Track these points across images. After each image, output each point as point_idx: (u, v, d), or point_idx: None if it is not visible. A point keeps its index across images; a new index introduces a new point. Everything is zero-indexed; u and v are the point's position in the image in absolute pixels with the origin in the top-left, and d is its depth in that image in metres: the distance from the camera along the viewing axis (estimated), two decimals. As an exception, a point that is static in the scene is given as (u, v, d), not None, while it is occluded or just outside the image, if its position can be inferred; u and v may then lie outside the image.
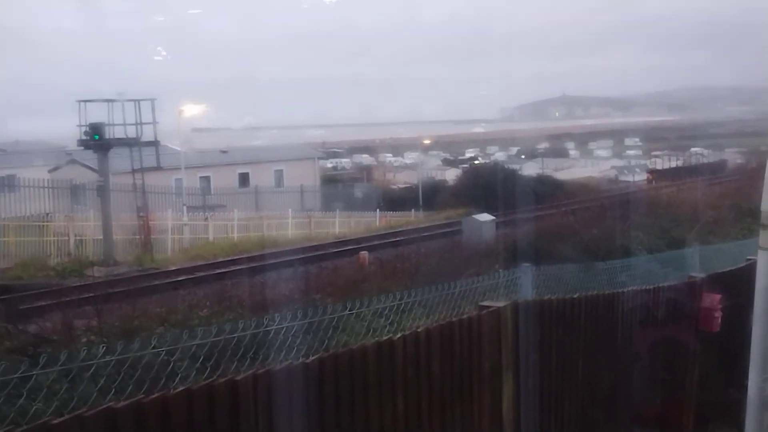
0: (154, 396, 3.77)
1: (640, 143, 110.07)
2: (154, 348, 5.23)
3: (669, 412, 7.82)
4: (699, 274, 9.14)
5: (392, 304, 7.67)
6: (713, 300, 8.53)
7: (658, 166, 59.41)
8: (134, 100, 26.89)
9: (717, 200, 26.42)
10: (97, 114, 26.34)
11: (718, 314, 8.47)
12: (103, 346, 5.00)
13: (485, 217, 24.40)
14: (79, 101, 26.33)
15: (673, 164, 62.36)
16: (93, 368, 4.64)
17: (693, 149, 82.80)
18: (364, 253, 20.06)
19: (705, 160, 64.17)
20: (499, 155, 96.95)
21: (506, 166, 53.44)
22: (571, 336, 6.77)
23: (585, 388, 6.91)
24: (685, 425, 8.12)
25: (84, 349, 4.98)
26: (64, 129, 31.15)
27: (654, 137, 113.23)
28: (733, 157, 64.11)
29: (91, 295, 14.92)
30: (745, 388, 3.93)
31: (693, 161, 64.19)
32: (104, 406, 3.64)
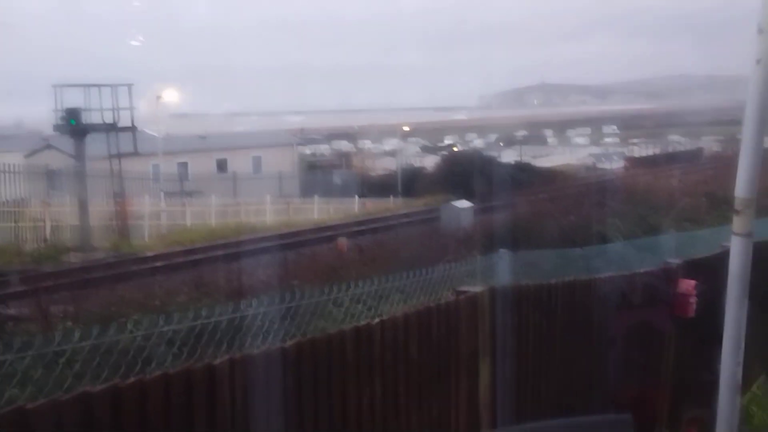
0: (130, 380, 3.75)
1: (617, 131, 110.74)
2: (130, 333, 5.22)
3: (644, 395, 7.90)
4: (675, 260, 9.20)
5: (370, 289, 7.69)
6: (688, 286, 8.60)
7: (636, 154, 59.85)
8: (111, 85, 26.71)
9: (693, 188, 26.67)
10: (73, 99, 26.14)
11: (693, 300, 8.54)
12: (78, 332, 4.98)
13: (463, 204, 24.50)
14: (55, 86, 26.09)
15: (650, 152, 62.83)
16: (68, 353, 4.62)
17: (670, 137, 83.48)
18: (343, 239, 20.10)
19: (682, 148, 64.72)
20: (478, 142, 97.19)
21: (485, 154, 53.60)
22: (548, 321, 6.81)
23: (561, 373, 6.96)
24: (659, 407, 8.21)
25: (59, 334, 4.95)
26: (40, 114, 30.89)
27: (631, 125, 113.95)
28: (709, 145, 64.67)
29: (67, 281, 14.87)
30: (719, 371, 3.97)
31: (670, 149, 64.73)
32: (80, 390, 3.62)
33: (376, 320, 5.22)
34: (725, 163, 31.87)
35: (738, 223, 3.84)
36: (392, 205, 38.45)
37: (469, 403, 5.91)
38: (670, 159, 48.97)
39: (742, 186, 3.78)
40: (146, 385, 3.75)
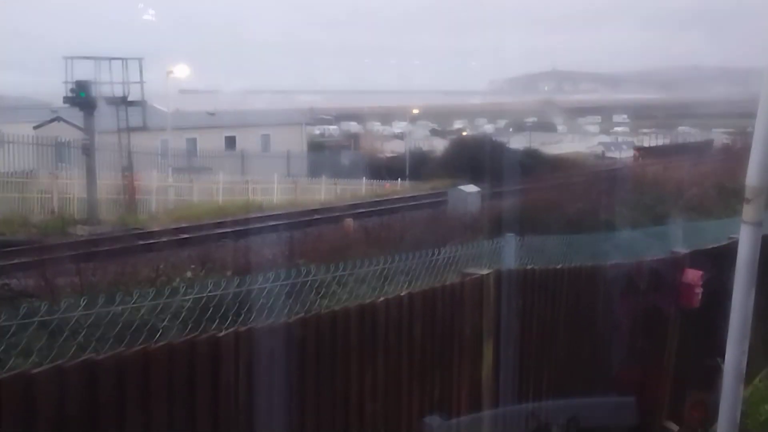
0: (135, 349, 3.76)
1: (628, 120, 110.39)
2: (135, 304, 5.22)
3: (647, 380, 7.91)
4: (682, 250, 9.18)
5: (376, 268, 7.68)
6: (695, 276, 8.58)
7: (645, 144, 59.62)
8: (122, 59, 26.68)
9: (702, 179, 26.54)
10: (83, 71, 26.12)
11: (699, 290, 8.52)
12: (84, 301, 4.98)
13: (471, 188, 24.45)
14: (66, 57, 26.07)
15: (660, 142, 62.60)
16: (73, 321, 4.63)
17: (681, 128, 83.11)
18: (349, 220, 20.09)
19: (692, 140, 64.46)
20: (488, 127, 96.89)
21: (494, 139, 53.49)
22: (553, 305, 6.81)
23: (565, 357, 6.97)
24: (662, 392, 8.22)
25: (65, 304, 4.96)
26: (50, 85, 30.87)
27: (642, 115, 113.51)
28: (720, 137, 64.37)
29: (73, 252, 14.89)
30: (723, 360, 3.96)
31: (680, 140, 64.46)
32: (84, 357, 3.63)
33: (381, 299, 5.22)
34: (735, 156, 31.74)
35: (748, 212, 3.82)
36: (400, 187, 38.42)
37: (471, 385, 5.92)
38: (679, 150, 48.81)
39: (753, 174, 3.76)
40: (150, 355, 3.76)
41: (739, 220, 3.91)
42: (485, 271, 6.12)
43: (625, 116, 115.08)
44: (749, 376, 9.75)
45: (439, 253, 7.92)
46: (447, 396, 5.73)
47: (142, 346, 3.82)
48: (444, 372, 5.69)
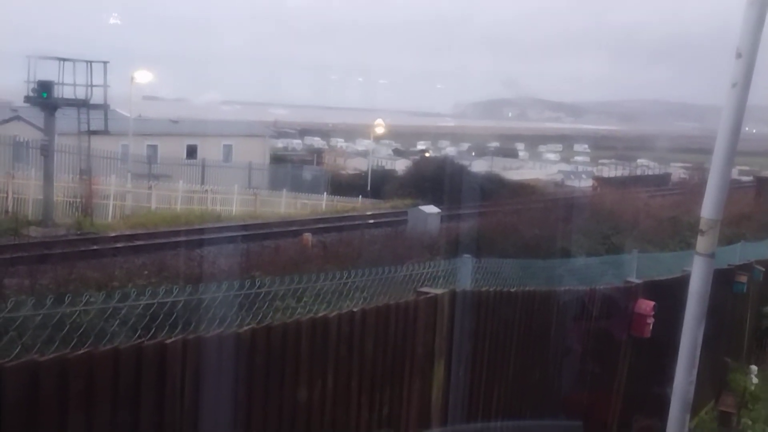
0: (79, 352, 3.69)
1: (588, 150, 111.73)
2: (84, 308, 5.14)
3: (595, 404, 7.96)
4: (635, 280, 9.29)
5: (331, 284, 7.66)
6: (647, 306, 8.68)
7: (604, 174, 60.36)
8: (86, 61, 26.33)
9: (658, 211, 26.96)
10: (47, 72, 25.73)
11: (651, 320, 8.62)
12: (32, 302, 4.90)
13: (431, 209, 24.51)
14: (29, 57, 25.69)
15: (619, 173, 63.44)
16: (19, 322, 4.54)
17: (639, 160, 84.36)
18: (308, 235, 20.01)
19: (650, 172, 65.42)
20: (450, 150, 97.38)
21: (456, 162, 53.64)
22: (506, 328, 6.82)
23: (516, 379, 6.98)
24: (610, 417, 8.27)
25: (12, 304, 4.87)
26: (11, 84, 30.38)
27: (602, 145, 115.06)
28: (677, 171, 65.43)
29: (25, 254, 14.64)
30: (671, 390, 3.99)
31: (638, 172, 65.39)
32: (27, 358, 3.55)
33: (334, 314, 5.19)
34: (691, 190, 32.29)
35: (702, 244, 3.86)
36: (360, 204, 38.40)
37: (420, 402, 5.90)
38: (637, 181, 49.48)
39: (708, 207, 3.81)
40: (95, 359, 3.69)
41: (691, 253, 3.96)
42: (440, 291, 6.12)
43: (586, 146, 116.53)
44: (697, 407, 9.86)
45: (395, 271, 7.92)
46: (396, 413, 5.70)
47: (86, 350, 3.75)
48: (394, 389, 5.67)
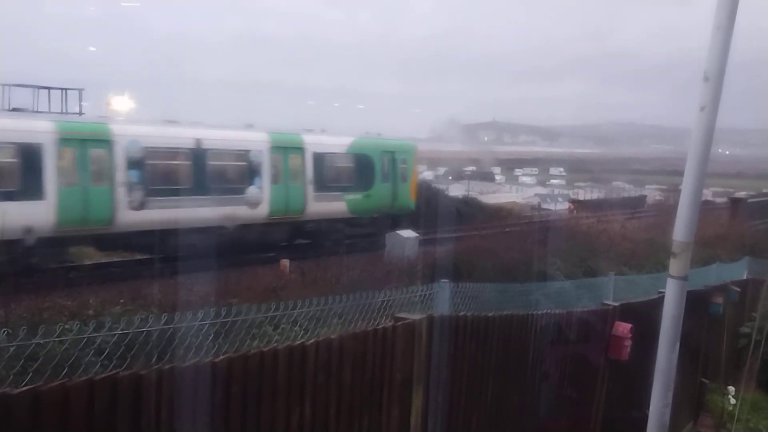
0: (53, 384, 3.64)
1: (564, 173, 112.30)
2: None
3: (574, 429, 7.95)
4: (612, 303, 9.32)
5: (308, 310, 7.63)
6: (624, 329, 8.70)
7: (580, 197, 60.66)
8: (61, 89, 26.26)
9: (634, 234, 27.10)
10: (21, 99, 25.59)
11: (628, 343, 8.64)
12: (4, 331, 4.84)
13: (409, 233, 24.52)
14: (3, 84, 25.55)
15: (595, 196, 63.80)
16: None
17: (615, 182, 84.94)
18: (285, 261, 19.92)
19: (626, 194, 65.85)
20: (427, 174, 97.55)
21: (432, 185, 53.76)
22: (484, 353, 6.81)
23: (494, 405, 6.96)
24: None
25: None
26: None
27: (578, 168, 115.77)
28: (653, 193, 65.93)
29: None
30: (647, 413, 4.00)
31: (614, 194, 65.78)
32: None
33: (311, 341, 5.16)
34: (666, 212, 32.50)
35: (674, 266, 3.89)
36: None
37: (399, 429, 5.86)
38: (613, 204, 49.77)
39: (680, 230, 3.85)
40: (69, 390, 3.64)
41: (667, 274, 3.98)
42: (418, 316, 6.10)
43: (562, 169, 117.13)
44: (676, 428, 9.88)
45: (373, 297, 7.90)
46: (374, 441, 5.66)
47: (60, 381, 3.69)
48: (373, 416, 5.63)
